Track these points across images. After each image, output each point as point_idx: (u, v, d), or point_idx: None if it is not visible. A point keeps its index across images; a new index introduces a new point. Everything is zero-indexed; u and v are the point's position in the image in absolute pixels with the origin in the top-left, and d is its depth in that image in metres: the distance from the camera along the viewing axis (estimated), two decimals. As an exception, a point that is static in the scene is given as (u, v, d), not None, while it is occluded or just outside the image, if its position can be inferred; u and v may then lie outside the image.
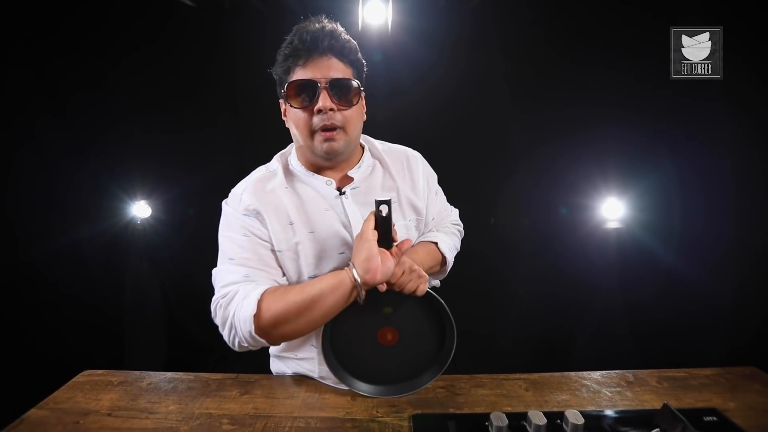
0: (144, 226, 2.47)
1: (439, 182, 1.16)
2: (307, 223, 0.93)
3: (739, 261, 2.04)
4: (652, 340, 2.26)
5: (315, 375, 1.01)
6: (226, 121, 2.57)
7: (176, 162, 2.47)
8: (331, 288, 0.82)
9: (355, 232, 0.92)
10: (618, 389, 0.98)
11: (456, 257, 1.16)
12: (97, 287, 2.33)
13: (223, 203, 0.98)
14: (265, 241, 0.93)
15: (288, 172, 0.99)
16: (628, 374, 1.04)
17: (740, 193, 2.03)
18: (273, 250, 0.93)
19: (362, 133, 1.03)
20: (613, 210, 2.28)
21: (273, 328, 0.85)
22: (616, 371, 1.05)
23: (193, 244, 2.35)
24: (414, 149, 1.13)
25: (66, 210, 2.21)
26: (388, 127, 2.53)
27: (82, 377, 1.05)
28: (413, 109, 2.52)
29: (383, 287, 0.84)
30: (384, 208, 0.79)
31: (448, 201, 1.22)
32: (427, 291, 0.89)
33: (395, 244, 0.85)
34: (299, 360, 1.03)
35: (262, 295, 0.84)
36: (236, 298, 0.86)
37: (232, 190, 0.99)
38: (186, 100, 2.44)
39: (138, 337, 2.51)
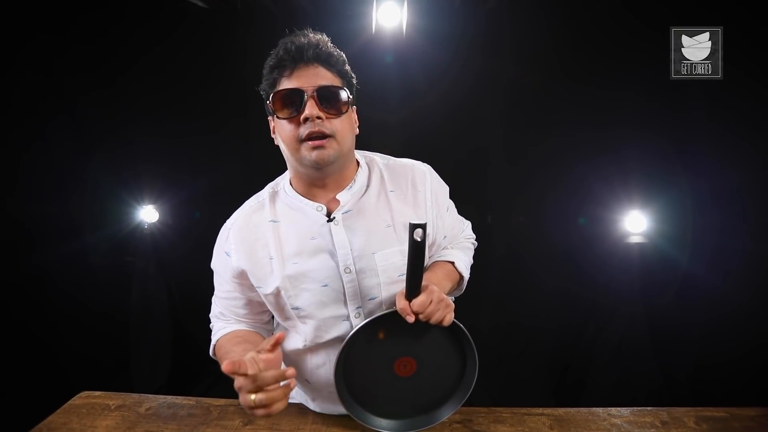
0: (152, 231, 2.44)
1: (451, 186, 1.05)
2: (290, 256, 0.87)
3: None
4: (675, 354, 2.17)
5: (309, 400, 0.99)
6: (235, 123, 2.53)
7: (184, 165, 2.43)
8: None
9: (341, 260, 0.86)
10: (652, 431, 0.89)
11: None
12: (104, 291, 2.31)
13: (220, 233, 0.95)
14: (235, 285, 0.92)
15: (276, 201, 0.93)
16: (662, 412, 0.95)
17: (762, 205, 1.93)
18: (249, 290, 0.92)
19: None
20: (636, 223, 2.18)
21: None
22: (649, 408, 0.97)
23: (200, 248, 2.30)
24: (427, 151, 1.05)
25: (74, 214, 2.19)
26: (401, 129, 2.47)
27: (79, 399, 1.00)
28: (427, 112, 2.44)
29: (411, 318, 0.78)
30: (419, 233, 0.71)
31: (463, 205, 1.13)
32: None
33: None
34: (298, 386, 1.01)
35: (215, 346, 0.97)
36: (212, 333, 1.00)
37: (226, 222, 0.95)
38: (195, 103, 2.39)
39: (144, 340, 2.48)
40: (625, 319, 2.24)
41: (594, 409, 0.96)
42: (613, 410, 0.96)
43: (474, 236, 1.15)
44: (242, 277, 0.90)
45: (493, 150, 2.57)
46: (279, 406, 0.68)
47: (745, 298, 1.89)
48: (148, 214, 2.40)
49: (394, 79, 2.35)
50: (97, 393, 1.02)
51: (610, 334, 2.28)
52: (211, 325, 1.02)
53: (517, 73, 2.37)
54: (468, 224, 1.14)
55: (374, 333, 0.84)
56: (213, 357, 1.00)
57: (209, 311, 1.03)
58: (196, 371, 2.55)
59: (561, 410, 0.96)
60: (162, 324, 2.52)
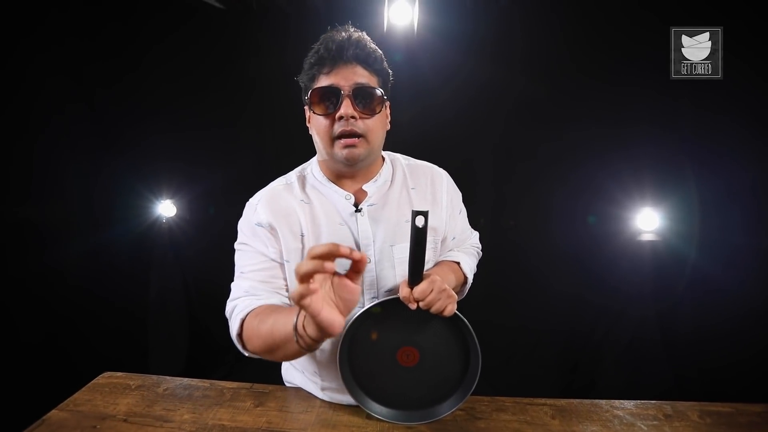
0: (170, 225, 2.52)
1: (461, 185, 1.09)
2: (319, 237, 0.91)
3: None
4: (686, 354, 2.14)
5: (318, 389, 1.00)
6: (248, 121, 2.59)
7: (199, 162, 2.51)
8: (289, 340, 0.74)
9: (363, 250, 0.90)
10: (655, 423, 0.90)
11: (479, 266, 1.12)
12: (123, 285, 2.38)
13: (246, 210, 0.98)
14: (274, 252, 0.92)
15: (305, 184, 0.97)
16: (666, 406, 0.96)
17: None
18: (282, 262, 0.93)
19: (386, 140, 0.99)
20: (648, 221, 2.16)
21: (257, 355, 0.87)
22: (653, 401, 0.97)
23: (217, 242, 2.39)
24: (437, 150, 1.10)
25: (94, 209, 2.27)
26: (412, 128, 2.49)
27: (102, 379, 1.06)
28: (437, 110, 2.46)
29: (413, 305, 0.80)
30: (420, 220, 0.73)
31: (471, 204, 1.16)
32: (455, 312, 0.84)
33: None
34: (306, 374, 1.04)
35: (243, 321, 0.85)
36: (233, 315, 0.89)
37: (249, 200, 0.98)
38: (210, 101, 2.46)
39: (160, 333, 2.57)
40: (635, 318, 2.22)
41: (597, 400, 0.97)
42: (616, 402, 0.97)
43: (480, 246, 1.17)
44: (279, 242, 0.91)
45: (504, 148, 2.57)
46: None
47: (758, 296, 1.87)
48: (166, 208, 2.49)
49: (405, 77, 2.38)
50: (119, 374, 1.08)
51: (621, 333, 2.27)
52: (230, 310, 0.91)
53: (528, 71, 2.37)
54: (476, 234, 1.17)
55: (378, 320, 0.86)
56: (236, 338, 0.88)
57: (224, 301, 0.98)
58: (212, 362, 2.63)
59: (563, 401, 0.97)
60: (178, 314, 2.61)
